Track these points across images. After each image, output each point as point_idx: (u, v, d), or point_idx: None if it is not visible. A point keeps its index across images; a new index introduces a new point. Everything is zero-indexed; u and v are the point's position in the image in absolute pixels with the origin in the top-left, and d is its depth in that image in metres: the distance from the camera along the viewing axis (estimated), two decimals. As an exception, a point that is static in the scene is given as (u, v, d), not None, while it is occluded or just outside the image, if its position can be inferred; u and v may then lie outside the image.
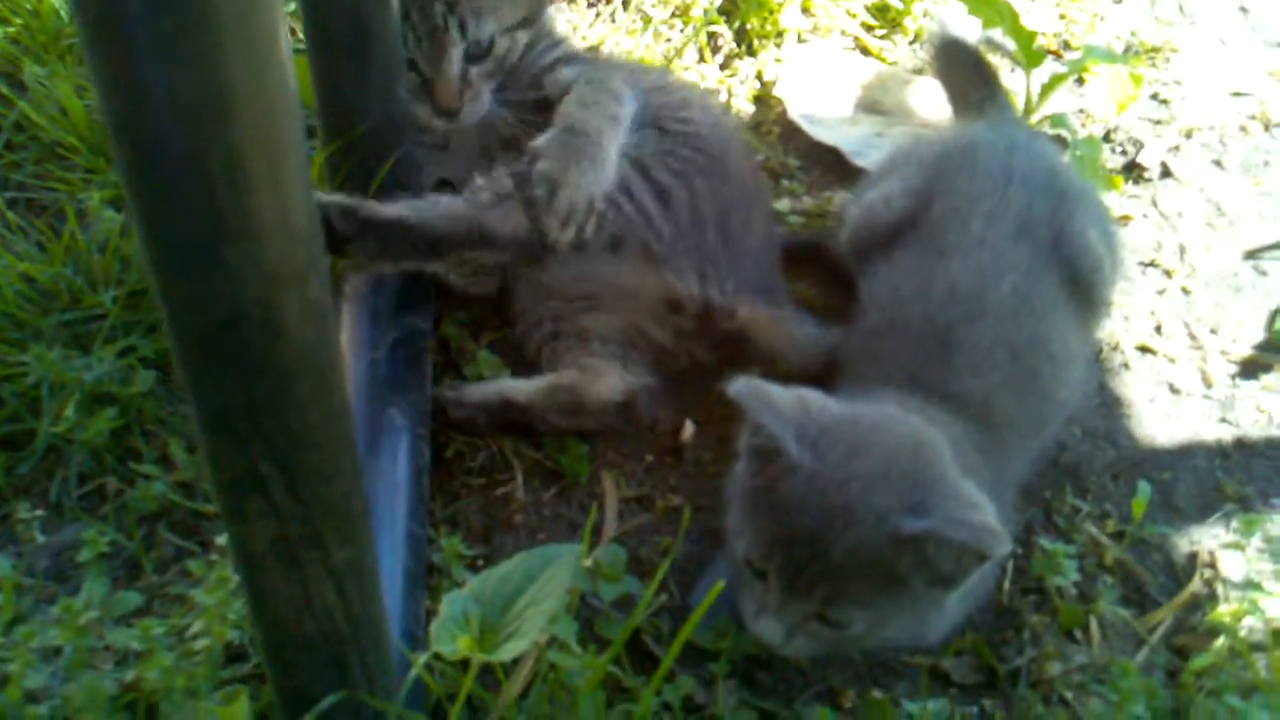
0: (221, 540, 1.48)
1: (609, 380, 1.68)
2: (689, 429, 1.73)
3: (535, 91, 1.86)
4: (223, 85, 0.69)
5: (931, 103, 2.32)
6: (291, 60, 0.73)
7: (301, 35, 1.74)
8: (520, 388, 1.69)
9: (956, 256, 1.61)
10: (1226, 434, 1.82)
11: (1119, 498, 1.71)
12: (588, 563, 1.49)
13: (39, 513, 1.55)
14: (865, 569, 1.24)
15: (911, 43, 2.52)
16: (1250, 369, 1.91)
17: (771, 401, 1.29)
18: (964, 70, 2.15)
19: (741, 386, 1.29)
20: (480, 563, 1.56)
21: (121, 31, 0.67)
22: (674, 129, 1.81)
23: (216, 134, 0.69)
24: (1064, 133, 2.17)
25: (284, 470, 0.87)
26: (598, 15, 2.46)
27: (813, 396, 1.35)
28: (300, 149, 0.76)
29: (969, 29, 2.26)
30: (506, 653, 1.18)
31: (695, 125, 1.82)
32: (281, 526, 0.90)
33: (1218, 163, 2.30)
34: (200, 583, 1.34)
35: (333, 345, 0.85)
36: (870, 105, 2.36)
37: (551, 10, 1.96)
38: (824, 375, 1.65)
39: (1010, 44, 2.26)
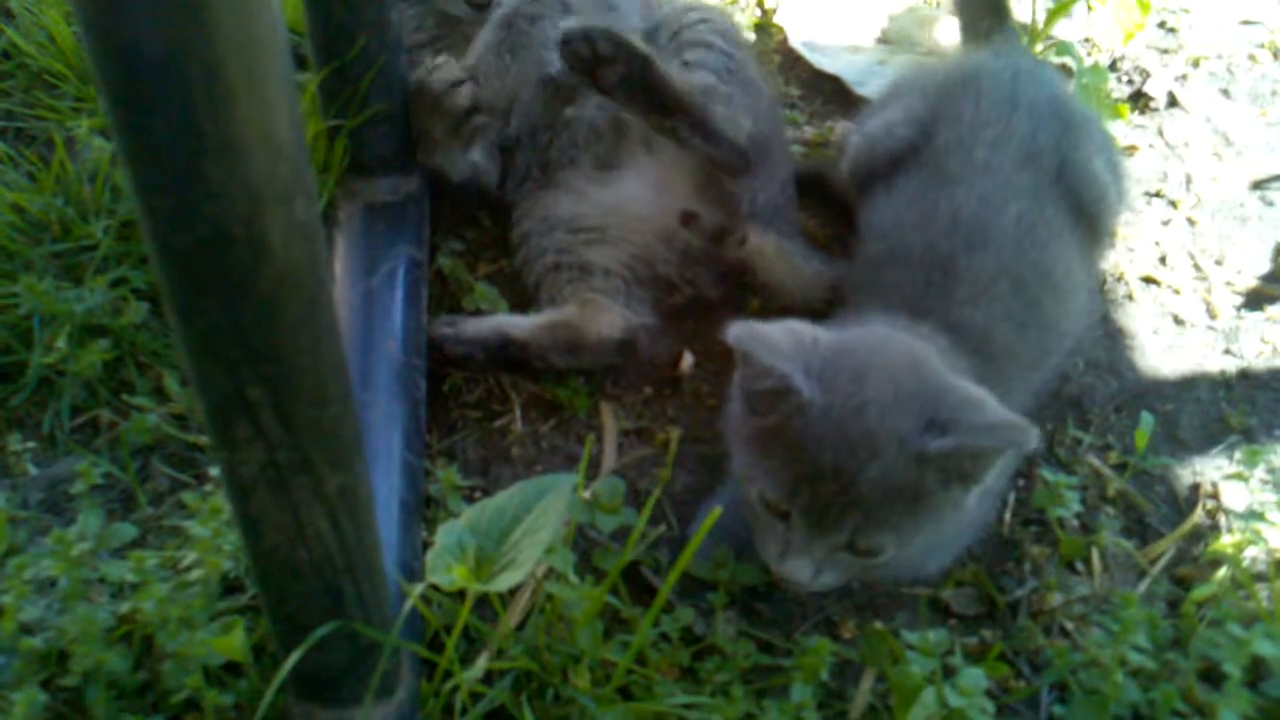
0: (216, 472, 1.47)
1: (610, 317, 1.66)
2: (687, 360, 1.72)
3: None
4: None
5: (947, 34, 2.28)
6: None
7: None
8: (519, 324, 1.67)
9: (960, 184, 1.59)
10: (1230, 365, 1.80)
11: (1122, 429, 1.70)
12: (586, 495, 1.48)
13: (31, 445, 1.54)
14: (893, 493, 1.23)
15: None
16: (1255, 300, 1.89)
17: (772, 342, 1.27)
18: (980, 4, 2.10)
19: (739, 331, 1.26)
20: (477, 494, 1.55)
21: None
22: (712, 42, 1.80)
23: (195, 41, 0.67)
24: (1069, 61, 2.13)
25: (273, 394, 0.85)
26: (596, -58, 2.41)
27: (803, 328, 1.32)
28: (284, 61, 0.73)
29: None
30: (503, 583, 1.18)
31: (723, 45, 1.81)
32: (271, 452, 0.89)
33: (1225, 92, 2.26)
34: (195, 514, 1.32)
35: (321, 267, 0.83)
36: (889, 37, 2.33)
37: None
38: (826, 308, 1.63)
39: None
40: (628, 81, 1.62)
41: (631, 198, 1.70)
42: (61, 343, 1.57)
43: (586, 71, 1.61)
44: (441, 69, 1.71)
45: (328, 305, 0.85)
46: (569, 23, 1.61)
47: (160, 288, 0.81)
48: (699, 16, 1.81)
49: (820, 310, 1.65)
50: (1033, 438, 1.21)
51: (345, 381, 0.91)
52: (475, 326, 1.67)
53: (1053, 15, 2.16)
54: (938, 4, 2.40)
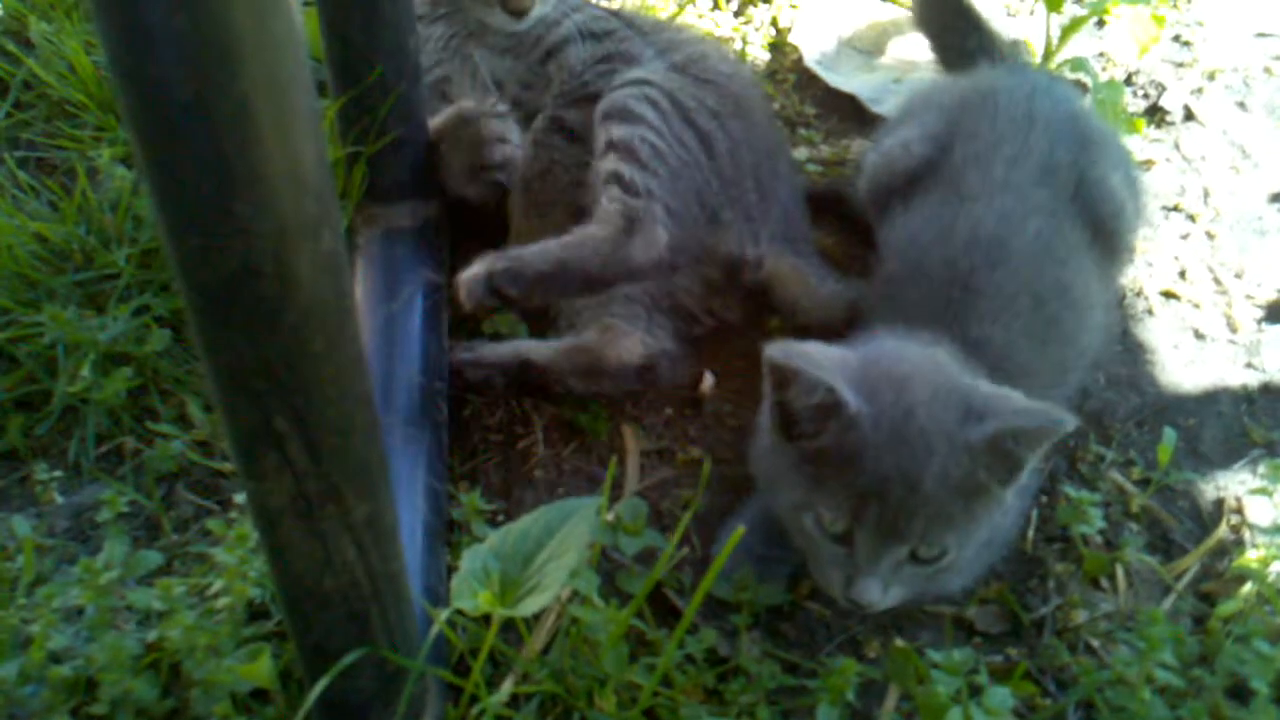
0: (241, 498, 1.48)
1: (629, 342, 1.67)
2: (708, 380, 1.72)
3: (547, 58, 1.84)
4: (228, 31, 0.67)
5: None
6: (298, 6, 0.71)
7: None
8: (538, 349, 1.67)
9: (978, 201, 1.59)
10: (1252, 379, 1.80)
11: (1144, 445, 1.70)
12: (609, 517, 1.48)
13: (57, 473, 1.55)
14: (952, 490, 1.24)
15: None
16: (1275, 313, 1.89)
17: (812, 358, 1.28)
18: (948, 19, 2.11)
19: (779, 350, 1.26)
20: (500, 518, 1.55)
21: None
22: (699, 74, 1.79)
23: (223, 81, 0.68)
24: (1084, 76, 2.13)
25: (300, 425, 0.85)
26: (610, -36, 2.43)
27: (828, 349, 1.33)
28: (309, 97, 0.74)
29: None
30: (528, 608, 1.18)
31: (716, 75, 1.80)
32: (299, 482, 0.89)
33: (1241, 105, 2.26)
34: (220, 541, 1.33)
35: (347, 298, 0.84)
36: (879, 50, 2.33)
37: None
38: (845, 328, 1.63)
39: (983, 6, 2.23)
40: (548, 294, 1.64)
41: (701, 224, 1.70)
42: (86, 371, 1.58)
43: (503, 307, 1.64)
44: (495, 122, 1.73)
45: (354, 336, 0.86)
46: (470, 273, 1.60)
47: (188, 320, 0.82)
48: (633, 78, 1.77)
49: (838, 330, 1.64)
50: (1068, 419, 1.23)
51: (372, 411, 0.92)
52: (495, 352, 1.67)
53: (1067, 31, 2.17)
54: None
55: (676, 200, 1.65)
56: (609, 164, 1.66)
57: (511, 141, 1.70)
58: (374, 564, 1.01)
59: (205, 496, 1.54)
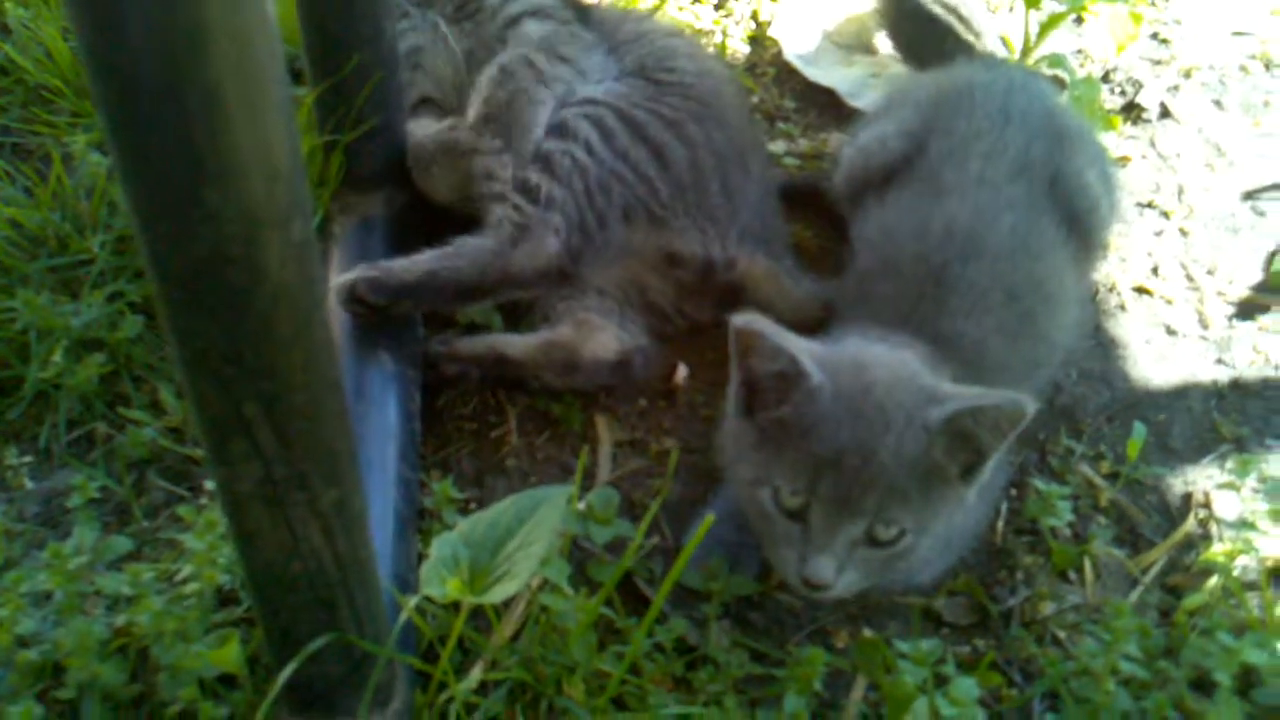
0: (211, 485, 1.48)
1: (604, 337, 1.67)
2: (682, 372, 1.72)
3: (499, 39, 1.84)
4: (198, 19, 0.67)
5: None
6: (267, -7, 0.71)
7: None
8: (514, 343, 1.68)
9: (954, 196, 1.60)
10: (1222, 375, 1.81)
11: (1114, 439, 1.71)
12: (580, 506, 1.48)
13: (28, 459, 1.55)
14: (909, 466, 1.25)
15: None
16: (1247, 310, 1.90)
17: (775, 328, 1.29)
18: (914, 28, 2.13)
19: (744, 318, 1.28)
20: (472, 506, 1.56)
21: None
22: (662, 79, 1.78)
23: (193, 70, 0.68)
24: (1062, 73, 2.14)
25: (268, 411, 0.86)
26: (591, -46, 2.42)
27: (792, 334, 1.34)
28: (281, 86, 0.74)
29: None
30: (497, 595, 1.18)
31: (682, 74, 1.79)
32: (266, 468, 0.89)
33: (1217, 103, 2.28)
34: (190, 528, 1.33)
35: (317, 285, 0.84)
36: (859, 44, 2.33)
37: None
38: (818, 327, 1.64)
39: (971, 13, 2.25)
40: (419, 303, 1.65)
41: (618, 235, 1.70)
42: (58, 357, 1.58)
43: (379, 314, 1.62)
44: (488, 160, 1.73)
45: (323, 323, 0.86)
46: (339, 280, 1.60)
47: (157, 307, 0.82)
48: (587, 95, 1.77)
49: (814, 328, 1.65)
50: (1029, 404, 1.23)
51: (340, 398, 0.92)
52: (470, 345, 1.67)
53: (1045, 28, 2.18)
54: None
55: (588, 212, 1.65)
56: (523, 173, 1.68)
57: (501, 179, 1.70)
58: (342, 550, 1.01)
59: (176, 483, 1.54)
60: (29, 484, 1.53)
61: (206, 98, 0.69)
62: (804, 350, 1.29)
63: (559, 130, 1.69)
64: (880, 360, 1.33)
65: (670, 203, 1.68)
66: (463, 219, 1.73)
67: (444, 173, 1.75)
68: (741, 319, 1.28)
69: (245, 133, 0.72)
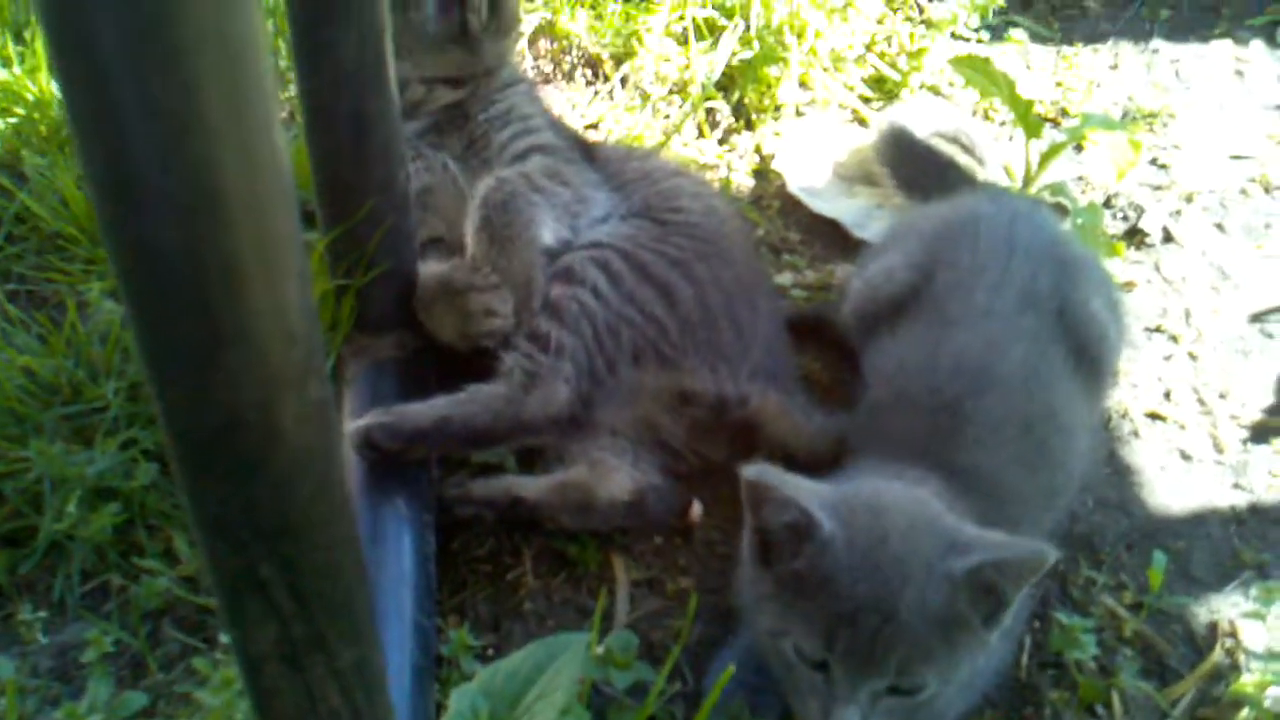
0: (227, 638, 1.46)
1: (619, 478, 1.66)
2: (697, 509, 1.71)
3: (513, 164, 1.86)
4: (217, 189, 0.68)
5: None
6: (287, 160, 0.72)
7: (299, 120, 1.74)
8: (528, 485, 1.67)
9: (962, 328, 1.60)
10: (1240, 500, 1.80)
11: (1134, 568, 1.69)
12: (599, 650, 1.46)
13: (41, 614, 1.53)
14: (932, 620, 1.22)
15: (909, 114, 2.53)
16: (1261, 433, 1.90)
17: (785, 478, 1.28)
18: (914, 163, 2.17)
19: (754, 470, 1.27)
20: (490, 652, 1.54)
21: (115, 136, 0.66)
22: (667, 219, 1.80)
23: (211, 238, 0.68)
24: (1064, 201, 2.17)
25: (285, 572, 0.85)
26: (596, 93, 2.47)
27: (804, 479, 1.33)
28: (297, 249, 0.75)
29: (921, 121, 2.28)
30: (517, 748, 1.16)
31: (686, 213, 1.81)
32: (284, 629, 0.88)
33: (1219, 226, 2.30)
34: (205, 682, 1.32)
35: (333, 444, 0.84)
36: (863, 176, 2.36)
37: (517, 91, 1.97)
38: (833, 462, 1.63)
39: (972, 133, 2.29)
40: (433, 448, 1.66)
41: (628, 378, 1.71)
42: (72, 507, 1.57)
43: (393, 458, 1.62)
44: (484, 297, 1.73)
45: (340, 482, 0.86)
46: (353, 426, 1.61)
47: (173, 468, 0.82)
48: (593, 238, 1.78)
49: (828, 462, 1.65)
50: (1050, 553, 1.21)
51: (358, 556, 0.91)
52: (485, 488, 1.67)
53: (1046, 157, 2.21)
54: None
55: (597, 358, 1.66)
56: (533, 321, 1.68)
57: (501, 314, 1.71)
58: (361, 709, 0.99)
59: (191, 634, 1.53)
60: (42, 639, 1.51)
61: (224, 266, 0.70)
62: (816, 500, 1.27)
63: (566, 275, 1.70)
64: (897, 503, 1.31)
65: (680, 342, 1.68)
66: (473, 361, 1.74)
67: (445, 311, 1.75)
68: (752, 470, 1.27)
69: (263, 299, 0.73)
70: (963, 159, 2.29)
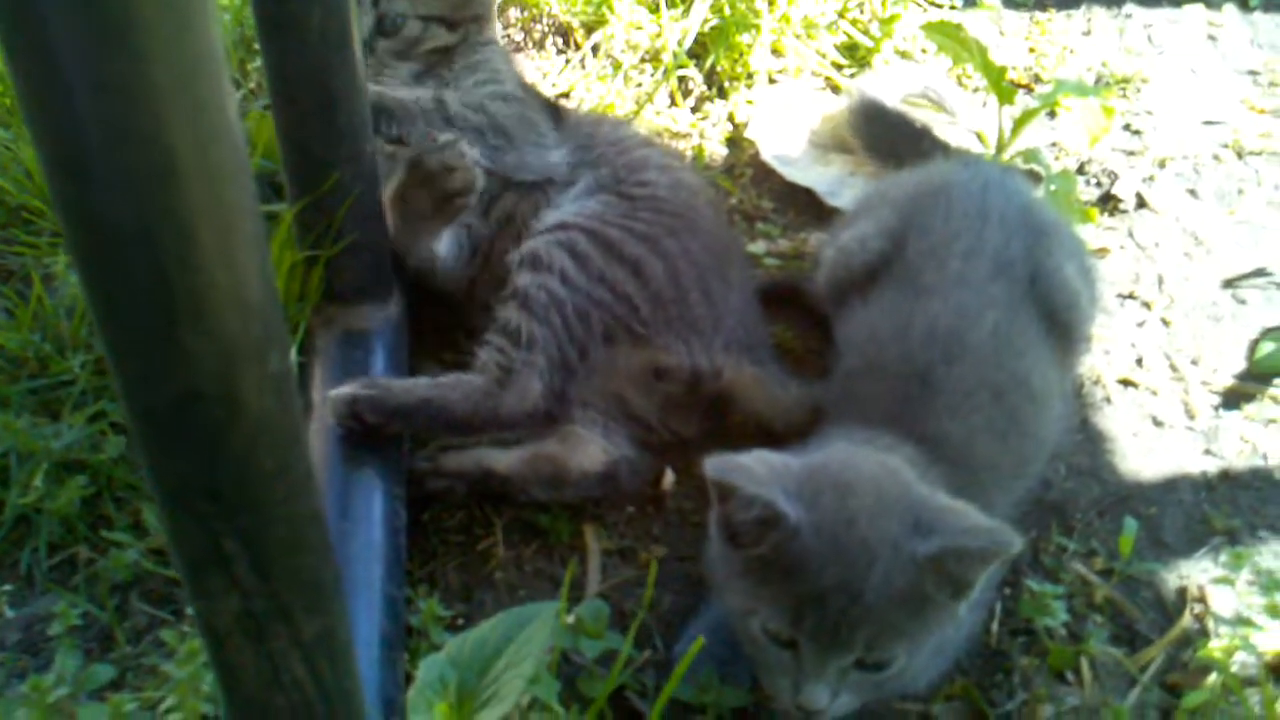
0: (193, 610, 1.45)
1: (591, 449, 1.66)
2: (669, 478, 1.71)
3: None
4: (169, 160, 0.67)
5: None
6: (240, 131, 0.71)
7: (267, 92, 1.72)
8: (499, 457, 1.67)
9: (935, 296, 1.60)
10: (1211, 466, 1.81)
11: (1106, 534, 1.70)
12: (569, 619, 1.46)
13: (8, 586, 1.52)
14: (897, 600, 1.22)
15: (882, 80, 2.52)
16: (1233, 399, 1.90)
17: (750, 471, 1.27)
18: (887, 131, 2.17)
19: (716, 465, 1.25)
20: (460, 622, 1.53)
21: (63, 110, 0.65)
22: (635, 193, 1.79)
23: (164, 210, 0.67)
24: (1037, 167, 2.16)
25: (248, 546, 0.84)
26: (567, 62, 2.45)
27: (772, 456, 1.32)
28: (254, 220, 0.74)
29: (890, 91, 2.28)
30: (486, 718, 1.16)
31: (654, 186, 1.80)
32: (247, 602, 0.88)
33: (1192, 192, 2.30)
34: (173, 653, 1.31)
35: (295, 418, 0.83)
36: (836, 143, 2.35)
37: (496, 49, 1.97)
38: (808, 429, 1.63)
39: (940, 89, 2.28)
40: (411, 427, 1.66)
41: (600, 359, 1.70)
42: (39, 481, 1.56)
43: (370, 431, 1.62)
44: (446, 152, 1.73)
45: (302, 455, 0.85)
46: (338, 393, 1.60)
47: (134, 443, 0.81)
48: (558, 219, 1.77)
49: (804, 430, 1.65)
50: (1015, 541, 1.22)
51: (323, 529, 0.91)
52: (456, 461, 1.67)
53: (1019, 123, 2.20)
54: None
55: (568, 347, 1.66)
56: (504, 312, 1.68)
57: (462, 165, 1.71)
58: (327, 682, 0.99)
59: (159, 606, 1.52)
60: (9, 612, 1.50)
61: (179, 238, 0.69)
62: (780, 488, 1.26)
63: (533, 262, 1.69)
64: (865, 477, 1.30)
65: (652, 319, 1.68)
66: (443, 330, 1.74)
67: (413, 189, 1.77)
68: (714, 466, 1.25)
69: (219, 271, 0.72)
70: (935, 115, 2.29)
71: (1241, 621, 1.49)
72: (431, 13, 1.88)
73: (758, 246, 2.12)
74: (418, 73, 1.91)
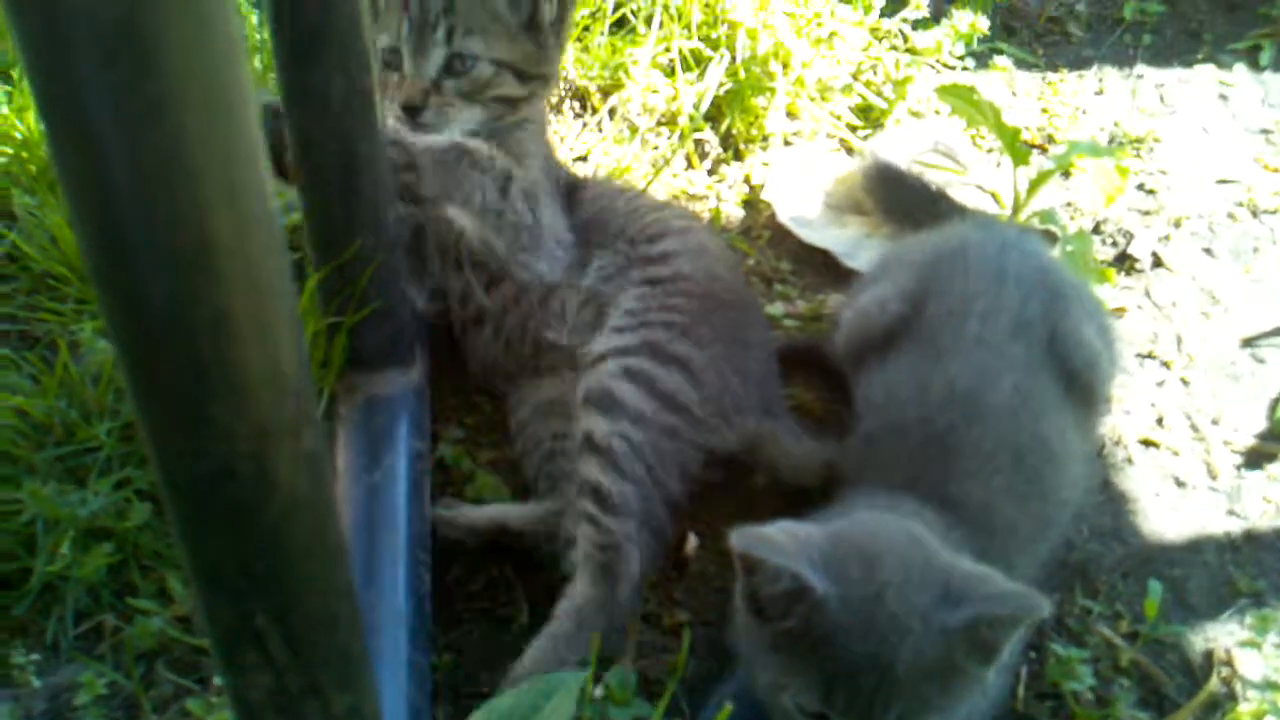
0: (221, 680, 1.45)
1: None
2: (692, 542, 1.71)
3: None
4: (207, 241, 0.68)
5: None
6: (276, 211, 0.73)
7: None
8: (514, 512, 1.68)
9: (953, 358, 1.60)
10: (1235, 526, 1.80)
11: (1130, 596, 1.69)
12: (596, 689, 1.46)
13: (34, 656, 1.52)
14: (928, 672, 1.22)
15: (897, 142, 2.53)
16: (1254, 459, 1.90)
17: (776, 544, 1.26)
18: (902, 193, 2.19)
19: (742, 539, 1.25)
20: (485, 690, 1.53)
21: (101, 189, 0.66)
22: (659, 274, 1.79)
23: (201, 291, 0.69)
24: (1053, 228, 2.17)
25: (280, 622, 0.85)
26: (584, 126, 2.48)
27: (797, 527, 1.32)
28: (288, 300, 0.75)
29: (903, 150, 2.29)
30: (514, 789, 1.16)
31: (676, 260, 1.81)
32: (279, 678, 0.88)
33: (1208, 251, 2.31)
34: (199, 725, 1.31)
35: (327, 495, 0.84)
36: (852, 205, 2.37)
37: (533, 128, 1.95)
38: (823, 485, 1.64)
39: (951, 142, 2.30)
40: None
41: (679, 495, 1.69)
42: (65, 548, 1.56)
43: None
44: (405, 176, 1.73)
45: (334, 530, 0.86)
46: None
47: (169, 518, 0.82)
48: (613, 347, 1.73)
49: (818, 486, 1.65)
50: (1044, 605, 1.22)
51: (353, 603, 0.91)
52: (470, 516, 1.68)
53: (1034, 184, 2.21)
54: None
55: (655, 503, 1.63)
56: (585, 469, 1.63)
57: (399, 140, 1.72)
58: (356, 754, 0.99)
59: (185, 675, 1.52)
60: (35, 681, 1.50)
61: (215, 318, 0.70)
62: (806, 559, 1.25)
63: (601, 404, 1.65)
64: (890, 547, 1.29)
65: (706, 418, 1.69)
66: (464, 392, 1.74)
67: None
68: (741, 540, 1.25)
69: (254, 349, 0.73)
70: (948, 173, 2.30)
71: (1269, 685, 1.49)
72: (505, 59, 1.83)
73: (776, 308, 2.13)
74: (481, 121, 1.87)
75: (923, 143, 2.40)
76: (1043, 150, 2.54)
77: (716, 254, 1.90)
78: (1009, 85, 2.74)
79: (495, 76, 1.83)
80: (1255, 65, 2.79)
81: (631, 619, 1.62)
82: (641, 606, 1.64)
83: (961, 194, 2.25)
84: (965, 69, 2.75)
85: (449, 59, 1.79)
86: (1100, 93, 2.73)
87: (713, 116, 2.49)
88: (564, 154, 2.34)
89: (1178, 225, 2.35)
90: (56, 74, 0.63)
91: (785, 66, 2.51)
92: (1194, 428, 1.94)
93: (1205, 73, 2.76)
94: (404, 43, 1.78)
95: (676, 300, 1.75)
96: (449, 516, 1.67)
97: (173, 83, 0.64)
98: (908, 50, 2.70)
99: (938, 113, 2.59)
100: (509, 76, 1.84)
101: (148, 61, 0.63)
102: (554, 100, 2.51)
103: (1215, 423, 1.95)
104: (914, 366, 1.65)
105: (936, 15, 2.73)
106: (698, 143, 2.46)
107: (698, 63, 2.52)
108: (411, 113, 1.79)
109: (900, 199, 2.18)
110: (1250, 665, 1.58)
